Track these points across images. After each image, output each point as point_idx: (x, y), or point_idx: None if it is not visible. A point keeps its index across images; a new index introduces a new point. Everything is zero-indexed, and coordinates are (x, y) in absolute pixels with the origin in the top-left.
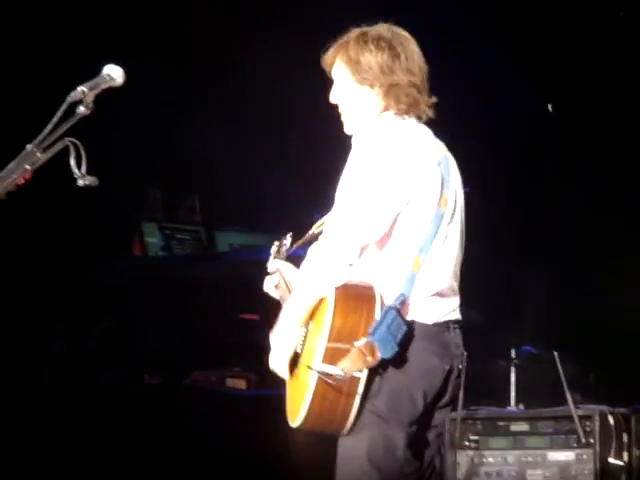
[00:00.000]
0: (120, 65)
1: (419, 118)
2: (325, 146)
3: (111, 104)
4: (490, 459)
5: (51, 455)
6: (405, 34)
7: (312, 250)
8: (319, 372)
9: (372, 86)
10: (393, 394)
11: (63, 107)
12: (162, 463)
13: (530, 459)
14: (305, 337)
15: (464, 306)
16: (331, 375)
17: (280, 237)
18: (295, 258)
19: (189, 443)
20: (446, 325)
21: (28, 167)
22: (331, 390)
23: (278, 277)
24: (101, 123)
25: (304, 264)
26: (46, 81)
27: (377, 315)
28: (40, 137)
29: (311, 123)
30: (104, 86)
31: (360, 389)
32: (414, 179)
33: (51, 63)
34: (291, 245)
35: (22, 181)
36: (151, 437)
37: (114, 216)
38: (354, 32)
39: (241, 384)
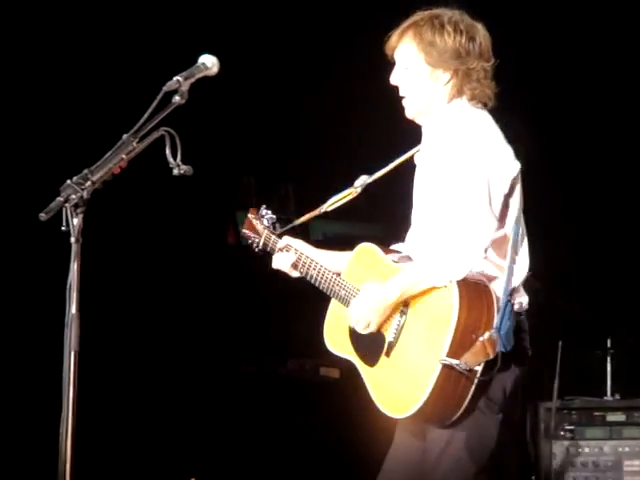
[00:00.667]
0: (215, 54)
1: (485, 105)
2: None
3: (204, 91)
4: (586, 449)
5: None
6: (474, 21)
7: (437, 242)
8: (445, 364)
9: (446, 69)
10: (493, 384)
11: (159, 97)
12: (257, 451)
13: (627, 449)
14: (401, 326)
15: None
16: (454, 368)
17: (248, 210)
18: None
19: (284, 432)
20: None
21: (124, 156)
22: (450, 381)
23: (294, 255)
24: (195, 110)
25: (427, 252)
26: (142, 71)
27: (495, 309)
28: (136, 127)
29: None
30: (199, 75)
31: (476, 381)
32: (511, 175)
33: (147, 53)
34: (285, 219)
35: (118, 170)
36: (246, 426)
37: (208, 205)
38: (425, 14)
39: (335, 373)
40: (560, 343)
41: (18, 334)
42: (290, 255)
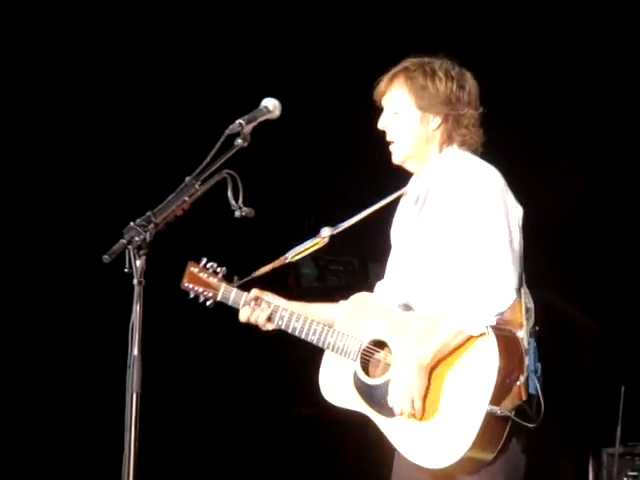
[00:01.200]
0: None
1: (475, 152)
2: None
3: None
4: None
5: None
6: (463, 69)
7: (466, 288)
8: (488, 412)
9: (436, 114)
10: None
11: (221, 139)
12: None
13: None
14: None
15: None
16: (494, 415)
17: (193, 265)
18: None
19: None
20: None
21: (187, 199)
22: (489, 428)
23: (267, 307)
24: (256, 152)
25: (457, 301)
26: (205, 114)
27: (523, 352)
28: (198, 169)
29: None
30: (261, 119)
31: (509, 423)
32: (520, 217)
33: (210, 97)
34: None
35: (181, 212)
36: (300, 469)
37: (270, 247)
38: (415, 61)
39: None
40: (623, 388)
41: (80, 375)
42: (263, 307)
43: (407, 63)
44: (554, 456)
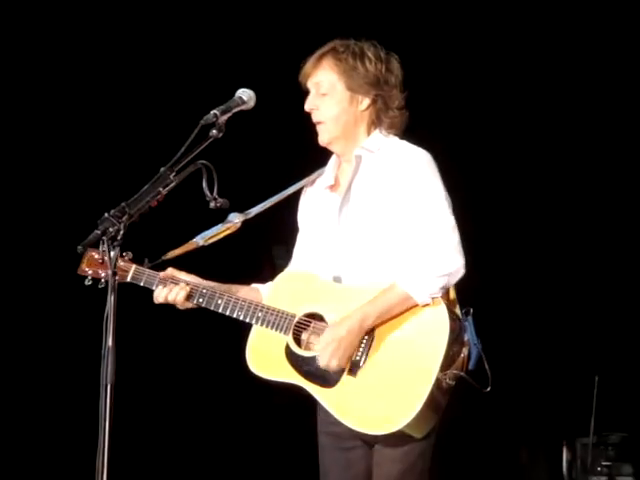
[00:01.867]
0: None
1: (400, 135)
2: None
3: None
4: None
5: None
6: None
7: (414, 265)
8: (437, 379)
9: (365, 95)
10: None
11: (196, 130)
12: None
13: None
14: (368, 345)
15: None
16: (441, 383)
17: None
18: None
19: None
20: None
21: (161, 190)
22: (435, 397)
23: (185, 286)
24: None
25: (403, 275)
26: (179, 105)
27: (464, 324)
28: (173, 160)
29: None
30: (236, 109)
31: (449, 391)
32: None
33: (185, 87)
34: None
35: (155, 203)
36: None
37: (246, 239)
38: (341, 42)
39: None
40: (596, 378)
41: (53, 367)
42: (181, 286)
43: (333, 44)
44: (528, 446)
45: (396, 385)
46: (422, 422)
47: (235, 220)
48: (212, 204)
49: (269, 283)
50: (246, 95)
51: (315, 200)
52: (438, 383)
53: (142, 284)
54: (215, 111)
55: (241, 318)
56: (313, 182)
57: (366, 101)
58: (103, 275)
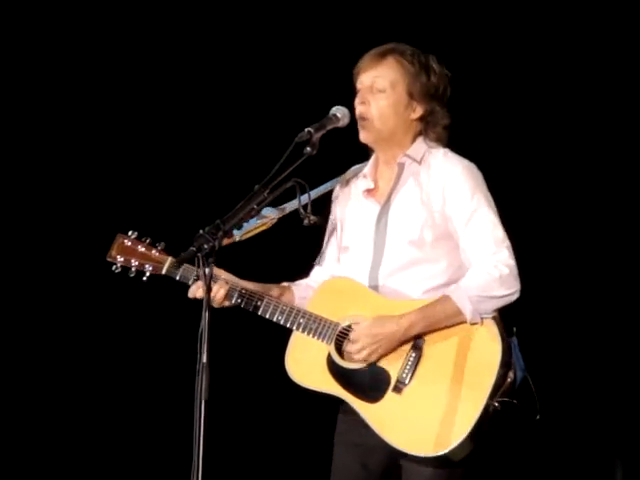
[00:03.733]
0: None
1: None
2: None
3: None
4: None
5: None
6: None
7: (471, 282)
8: (487, 405)
9: (422, 104)
10: None
11: (290, 148)
12: None
13: None
14: (415, 363)
15: None
16: (489, 409)
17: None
18: None
19: None
20: None
21: (255, 207)
22: (483, 422)
23: (224, 284)
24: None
25: (458, 291)
26: (274, 123)
27: (513, 347)
28: (267, 177)
29: None
30: (330, 127)
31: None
32: None
33: (278, 105)
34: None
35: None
36: None
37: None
38: (406, 47)
39: None
40: None
41: (148, 383)
42: (221, 284)
43: (396, 45)
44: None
45: (443, 407)
46: (465, 447)
47: (271, 215)
48: (305, 221)
49: (299, 281)
50: (340, 112)
51: (352, 202)
52: (487, 408)
53: (177, 278)
54: (309, 129)
55: (281, 323)
56: (348, 182)
57: (419, 111)
58: (135, 264)
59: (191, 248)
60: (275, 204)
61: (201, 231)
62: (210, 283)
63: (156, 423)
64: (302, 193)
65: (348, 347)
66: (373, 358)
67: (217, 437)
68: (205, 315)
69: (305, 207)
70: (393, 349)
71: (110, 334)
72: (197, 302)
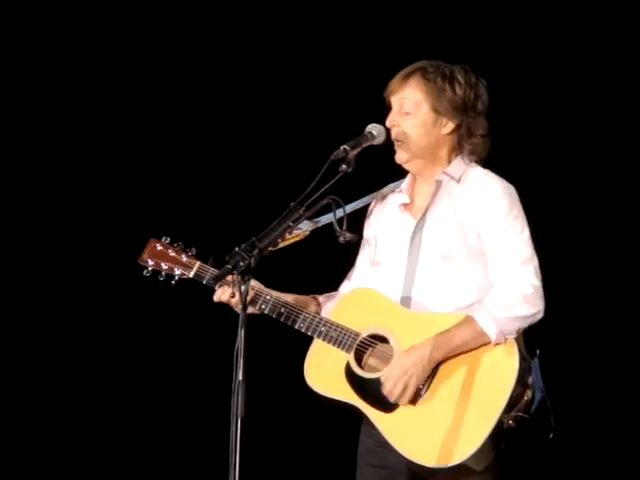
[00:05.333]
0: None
1: (481, 161)
2: None
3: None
4: None
5: None
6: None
7: (496, 303)
8: (499, 420)
9: (450, 119)
10: None
11: (326, 165)
12: None
13: None
14: (432, 375)
15: None
16: (503, 424)
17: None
18: None
19: None
20: None
21: (291, 224)
22: (494, 437)
23: (252, 289)
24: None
25: (482, 311)
26: (309, 140)
27: (531, 367)
28: (303, 195)
29: None
30: (365, 144)
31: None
32: None
33: (314, 124)
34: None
35: (296, 238)
36: None
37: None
38: (431, 62)
39: None
40: None
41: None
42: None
43: (422, 64)
44: None
45: (457, 420)
46: (480, 459)
47: (304, 228)
48: (341, 238)
49: (328, 294)
50: (376, 130)
51: (387, 216)
52: (500, 424)
53: (205, 282)
54: (345, 146)
55: (303, 330)
56: (384, 197)
57: (450, 125)
58: (165, 268)
59: (227, 266)
60: (309, 217)
61: (237, 248)
62: (246, 301)
63: (192, 441)
64: (337, 210)
65: (370, 360)
66: (408, 395)
67: (253, 455)
68: (240, 333)
69: (340, 224)
70: (424, 375)
71: (147, 348)
72: (235, 318)
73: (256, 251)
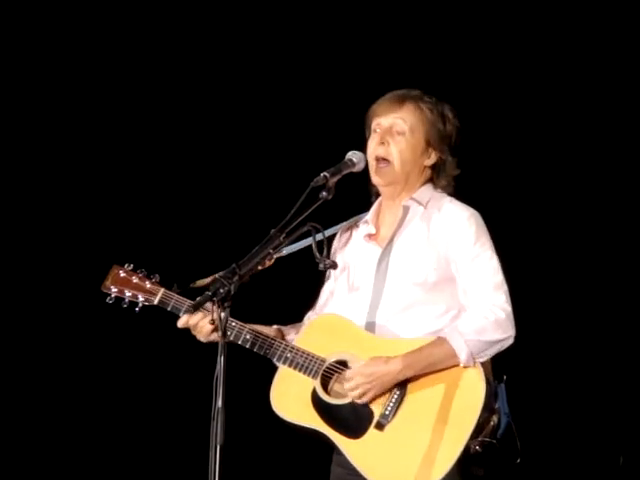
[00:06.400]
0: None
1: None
2: None
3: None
4: None
5: None
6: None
7: (468, 327)
8: (466, 445)
9: (436, 152)
10: None
11: (306, 192)
12: None
13: None
14: (399, 400)
15: None
16: (470, 449)
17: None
18: None
19: None
20: None
21: (271, 251)
22: (461, 463)
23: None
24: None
25: (454, 334)
26: (289, 167)
27: (496, 392)
28: (283, 222)
29: None
30: (346, 171)
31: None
32: None
33: (293, 150)
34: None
35: (265, 265)
36: None
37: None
38: (423, 94)
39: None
40: (621, 459)
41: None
42: (208, 317)
43: (416, 92)
44: None
45: (424, 445)
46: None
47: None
48: (321, 265)
49: (292, 325)
50: (356, 157)
51: (352, 248)
52: (467, 449)
53: (169, 309)
54: (325, 173)
55: (268, 356)
56: (348, 229)
57: (433, 158)
58: (129, 295)
59: (207, 292)
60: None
61: (217, 275)
62: (225, 327)
63: (172, 467)
64: (317, 237)
65: (336, 386)
66: (366, 398)
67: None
68: (220, 360)
69: (320, 251)
70: (387, 390)
71: (124, 375)
72: (213, 346)
73: (236, 278)
